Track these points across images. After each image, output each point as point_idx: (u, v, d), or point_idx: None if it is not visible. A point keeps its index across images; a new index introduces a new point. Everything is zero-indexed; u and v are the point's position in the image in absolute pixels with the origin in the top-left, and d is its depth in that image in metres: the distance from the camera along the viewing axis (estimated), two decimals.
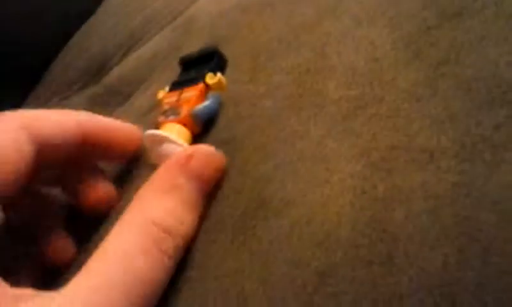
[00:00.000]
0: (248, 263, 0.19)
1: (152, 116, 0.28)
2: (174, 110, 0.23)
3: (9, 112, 0.20)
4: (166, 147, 0.22)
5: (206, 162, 0.20)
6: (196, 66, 0.26)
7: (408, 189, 0.18)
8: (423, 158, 0.18)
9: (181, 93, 0.24)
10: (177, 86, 0.25)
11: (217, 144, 0.24)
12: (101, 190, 0.23)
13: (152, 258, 0.17)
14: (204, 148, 0.20)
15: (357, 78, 0.22)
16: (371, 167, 0.19)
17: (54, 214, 0.24)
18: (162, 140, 0.22)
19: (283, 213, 0.20)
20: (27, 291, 0.15)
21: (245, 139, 0.23)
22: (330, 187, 0.19)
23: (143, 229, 0.17)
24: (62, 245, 0.22)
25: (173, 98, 0.24)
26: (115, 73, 0.37)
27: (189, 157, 0.19)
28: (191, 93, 0.24)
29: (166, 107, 0.24)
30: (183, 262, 0.20)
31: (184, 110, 0.23)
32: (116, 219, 0.19)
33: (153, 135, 0.22)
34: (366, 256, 0.17)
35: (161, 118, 0.24)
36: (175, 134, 0.22)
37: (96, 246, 0.18)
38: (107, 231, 0.18)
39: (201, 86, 0.24)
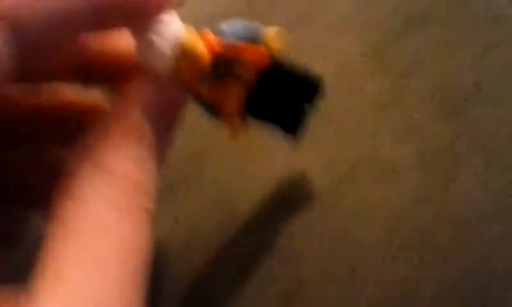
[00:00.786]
0: None
1: None
2: None
3: None
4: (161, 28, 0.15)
5: (170, 102, 0.15)
6: None
7: (371, 202, 0.18)
8: (386, 170, 0.18)
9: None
10: None
11: (193, 158, 0.24)
12: None
13: (138, 221, 0.13)
14: (166, 84, 0.15)
15: (327, 89, 0.22)
16: (338, 180, 0.19)
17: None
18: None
19: None
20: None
21: (217, 153, 0.24)
22: None
23: (118, 189, 0.14)
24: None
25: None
26: None
27: (150, 94, 0.15)
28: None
29: None
30: None
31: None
32: None
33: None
34: (332, 270, 0.17)
35: None
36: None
37: None
38: None
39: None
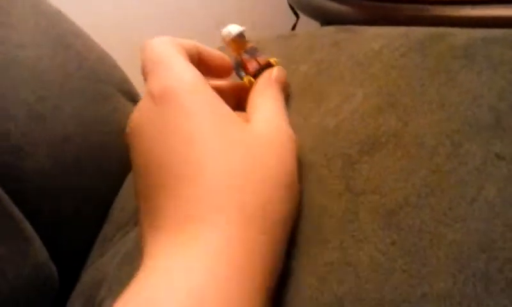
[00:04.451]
0: None
1: None
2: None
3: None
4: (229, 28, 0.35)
5: (283, 74, 0.34)
6: None
7: None
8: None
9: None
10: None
11: None
12: None
13: (281, 100, 0.33)
14: (279, 68, 0.35)
15: (308, 216, 0.29)
16: None
17: None
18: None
19: None
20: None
21: None
22: None
23: (275, 94, 0.32)
24: None
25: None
26: None
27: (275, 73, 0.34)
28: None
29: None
30: None
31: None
32: None
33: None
34: None
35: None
36: None
37: None
38: None
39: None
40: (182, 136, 0.24)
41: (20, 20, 0.48)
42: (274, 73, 0.33)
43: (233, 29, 0.35)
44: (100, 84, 0.48)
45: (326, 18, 0.60)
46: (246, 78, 0.34)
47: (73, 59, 0.48)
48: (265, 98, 0.31)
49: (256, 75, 0.34)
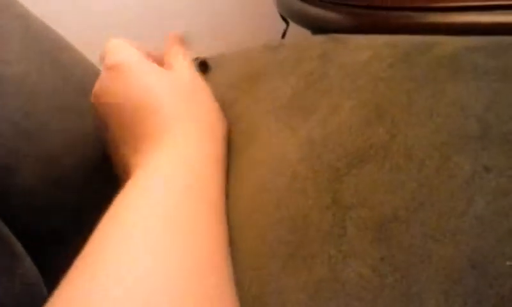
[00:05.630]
0: None
1: None
2: None
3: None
4: None
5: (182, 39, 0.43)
6: None
7: None
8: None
9: None
10: None
11: None
12: None
13: (190, 64, 0.41)
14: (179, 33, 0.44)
15: (293, 228, 0.29)
16: None
17: None
18: None
19: None
20: None
21: None
22: None
23: (184, 55, 0.41)
24: None
25: None
26: None
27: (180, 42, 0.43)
28: None
29: None
30: None
31: None
32: None
33: None
34: None
35: None
36: None
37: None
38: None
39: None
40: (138, 88, 0.36)
41: (6, 34, 0.48)
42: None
43: None
44: (87, 98, 0.48)
45: (316, 26, 0.60)
46: None
47: (60, 74, 0.47)
48: (178, 59, 0.41)
49: None
